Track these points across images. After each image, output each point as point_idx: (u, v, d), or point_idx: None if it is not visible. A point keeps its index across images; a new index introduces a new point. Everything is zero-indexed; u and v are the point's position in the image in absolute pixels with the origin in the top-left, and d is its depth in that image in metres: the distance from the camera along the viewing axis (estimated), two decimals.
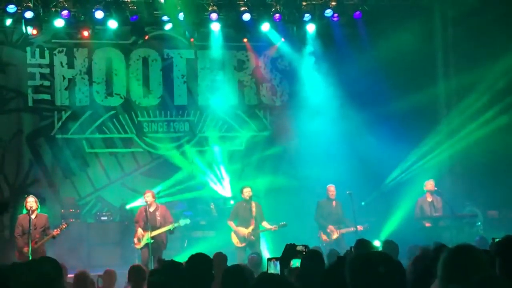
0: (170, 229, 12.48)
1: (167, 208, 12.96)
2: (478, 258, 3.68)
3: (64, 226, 11.83)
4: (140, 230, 12.44)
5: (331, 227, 13.40)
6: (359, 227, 13.16)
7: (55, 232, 11.70)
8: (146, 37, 15.27)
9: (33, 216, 11.62)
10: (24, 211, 11.74)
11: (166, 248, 12.82)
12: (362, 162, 14.95)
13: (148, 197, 12.51)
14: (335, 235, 13.34)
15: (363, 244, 7.35)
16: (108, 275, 8.80)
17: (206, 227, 14.44)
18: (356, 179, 14.10)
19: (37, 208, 11.80)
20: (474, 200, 14.82)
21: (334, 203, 13.70)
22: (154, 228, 12.34)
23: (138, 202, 14.18)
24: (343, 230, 13.39)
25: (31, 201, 11.72)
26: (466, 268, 3.60)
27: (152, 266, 11.56)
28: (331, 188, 13.72)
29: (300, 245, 5.95)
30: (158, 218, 12.38)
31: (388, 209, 14.75)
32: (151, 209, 12.46)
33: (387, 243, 8.07)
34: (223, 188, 15.67)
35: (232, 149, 16.19)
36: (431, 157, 15.39)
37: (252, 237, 12.83)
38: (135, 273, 7.47)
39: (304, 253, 5.92)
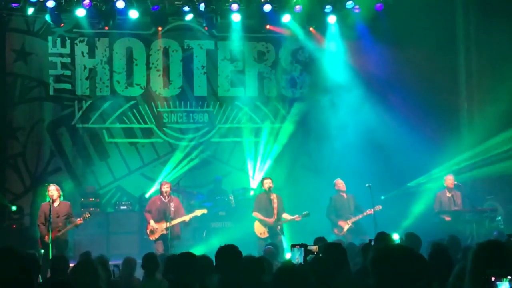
0: (185, 220, 12.41)
1: (180, 201, 12.96)
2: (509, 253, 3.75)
3: (87, 216, 11.81)
4: (152, 222, 12.29)
5: (340, 222, 13.37)
6: (369, 211, 13.10)
7: (78, 221, 11.70)
8: (160, 29, 15.38)
9: (55, 205, 11.63)
10: (48, 199, 11.74)
11: (184, 239, 12.82)
12: (383, 156, 14.85)
13: (167, 188, 12.42)
14: (346, 227, 13.31)
15: (383, 237, 7.31)
16: (128, 263, 8.77)
17: (225, 218, 14.39)
18: (377, 174, 14.01)
19: (59, 196, 11.77)
20: (494, 195, 14.67)
21: (345, 196, 13.63)
22: (168, 219, 12.19)
23: (154, 189, 14.47)
24: (354, 219, 13.36)
25: (52, 190, 11.73)
26: (497, 262, 3.66)
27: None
28: (338, 181, 13.65)
29: (311, 245, 5.93)
30: (172, 209, 12.25)
31: (408, 203, 14.65)
32: (166, 200, 12.41)
33: (408, 236, 7.95)
34: (243, 179, 15.66)
35: (251, 141, 16.18)
36: (453, 162, 15.11)
37: (278, 227, 12.80)
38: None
39: (316, 253, 5.90)
